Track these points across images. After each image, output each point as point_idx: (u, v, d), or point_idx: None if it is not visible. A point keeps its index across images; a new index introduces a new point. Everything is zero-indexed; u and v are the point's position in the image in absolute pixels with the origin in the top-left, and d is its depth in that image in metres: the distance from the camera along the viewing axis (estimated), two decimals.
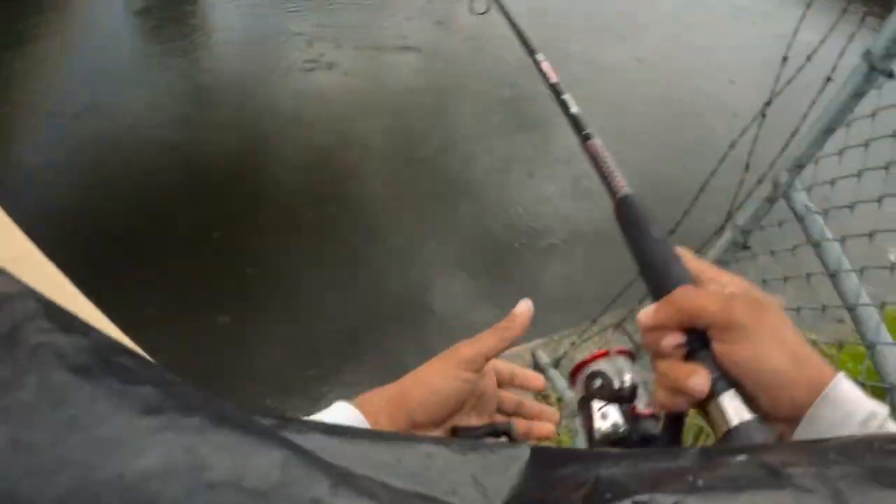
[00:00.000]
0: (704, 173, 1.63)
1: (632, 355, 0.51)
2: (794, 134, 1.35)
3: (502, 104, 3.99)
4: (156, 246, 2.86)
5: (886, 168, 1.09)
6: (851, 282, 1.05)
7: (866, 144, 1.15)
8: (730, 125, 3.47)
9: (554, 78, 0.74)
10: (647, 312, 0.45)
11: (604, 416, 0.48)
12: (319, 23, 4.66)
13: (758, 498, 0.21)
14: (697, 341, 0.42)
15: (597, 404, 0.48)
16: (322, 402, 0.52)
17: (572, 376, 0.53)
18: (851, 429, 0.37)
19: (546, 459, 0.24)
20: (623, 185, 0.53)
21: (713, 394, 0.41)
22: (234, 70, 4.16)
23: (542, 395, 2.28)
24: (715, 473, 0.23)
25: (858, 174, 1.14)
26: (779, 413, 0.40)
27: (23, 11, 4.30)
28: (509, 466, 0.23)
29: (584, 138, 0.61)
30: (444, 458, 0.23)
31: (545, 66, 0.77)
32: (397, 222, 3.14)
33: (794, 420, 0.39)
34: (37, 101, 3.73)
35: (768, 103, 1.46)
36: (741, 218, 1.34)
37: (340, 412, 0.50)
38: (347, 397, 0.52)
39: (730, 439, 0.39)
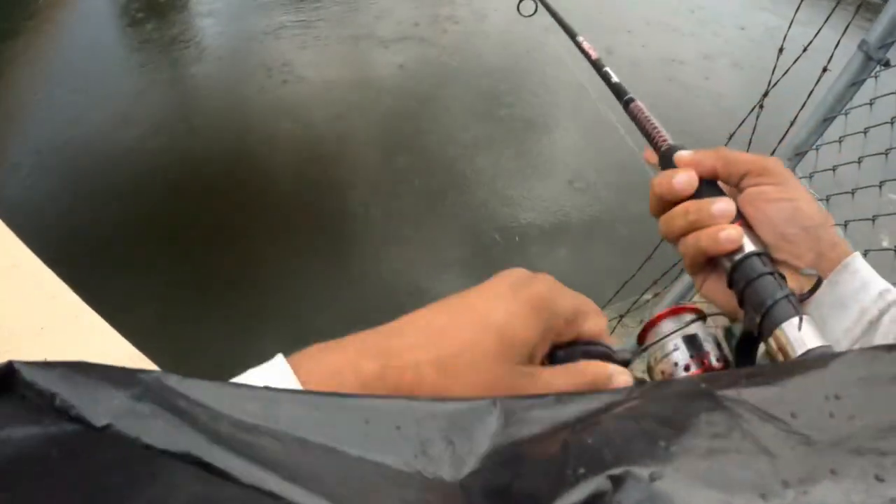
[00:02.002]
0: None
1: (701, 314, 0.47)
2: (792, 123, 1.35)
3: (491, 98, 3.99)
4: (143, 254, 2.87)
5: (886, 154, 1.08)
6: None
7: (865, 132, 1.14)
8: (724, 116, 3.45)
9: (594, 54, 0.75)
10: (686, 153, 0.47)
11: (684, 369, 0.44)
12: (304, 24, 4.68)
13: (733, 466, 0.20)
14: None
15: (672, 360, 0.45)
16: None
17: (641, 337, 0.48)
18: (870, 296, 0.39)
19: (512, 413, 0.23)
20: (666, 139, 0.54)
21: (772, 322, 0.38)
22: (220, 78, 4.17)
23: None
24: (685, 434, 0.22)
25: (858, 161, 1.13)
26: (799, 262, 0.41)
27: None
28: (481, 421, 0.22)
29: (626, 103, 0.63)
30: (416, 410, 0.22)
31: (586, 45, 0.79)
32: (386, 217, 3.14)
33: (809, 277, 0.39)
34: (22, 108, 3.76)
35: (766, 94, 1.46)
36: None
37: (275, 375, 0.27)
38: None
39: None
